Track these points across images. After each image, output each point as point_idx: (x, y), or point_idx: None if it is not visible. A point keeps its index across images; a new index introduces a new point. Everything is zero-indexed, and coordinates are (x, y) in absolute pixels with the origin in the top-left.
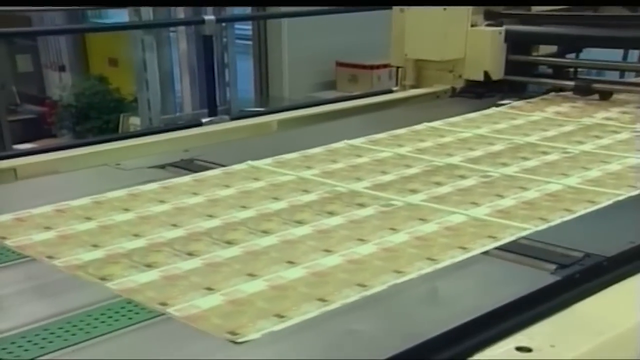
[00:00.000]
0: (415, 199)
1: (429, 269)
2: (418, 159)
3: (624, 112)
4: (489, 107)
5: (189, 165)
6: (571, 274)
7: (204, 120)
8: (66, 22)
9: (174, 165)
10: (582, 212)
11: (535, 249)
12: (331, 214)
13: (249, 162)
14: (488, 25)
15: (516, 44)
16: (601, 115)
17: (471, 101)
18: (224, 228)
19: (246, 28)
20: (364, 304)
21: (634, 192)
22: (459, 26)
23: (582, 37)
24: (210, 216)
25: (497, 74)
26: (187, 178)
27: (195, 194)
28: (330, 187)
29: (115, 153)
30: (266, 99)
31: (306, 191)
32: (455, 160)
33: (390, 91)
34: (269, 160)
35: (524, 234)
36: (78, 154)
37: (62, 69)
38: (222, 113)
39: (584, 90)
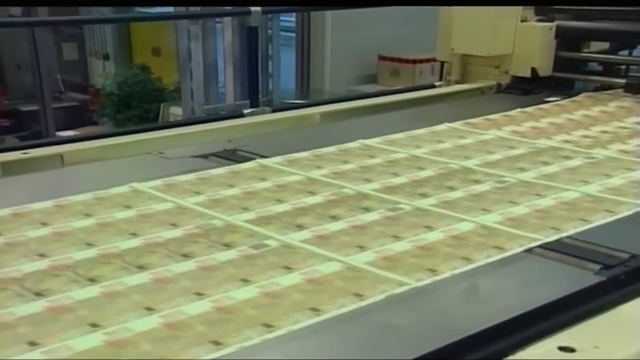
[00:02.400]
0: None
1: (427, 280)
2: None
3: None
4: (535, 104)
5: (231, 156)
6: (616, 274)
7: (245, 111)
8: (112, 11)
9: (216, 155)
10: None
11: (579, 248)
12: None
13: (286, 155)
14: (539, 20)
15: (567, 40)
16: None
17: (516, 97)
18: (258, 221)
19: (290, 20)
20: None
21: None
22: (508, 21)
23: (636, 33)
24: (245, 209)
25: (545, 70)
26: (223, 169)
27: (230, 185)
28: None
29: (158, 142)
30: (307, 92)
31: (312, 193)
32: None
33: (433, 86)
34: (306, 154)
35: (533, 244)
36: (122, 142)
37: (106, 57)
38: (264, 104)
39: (635, 88)
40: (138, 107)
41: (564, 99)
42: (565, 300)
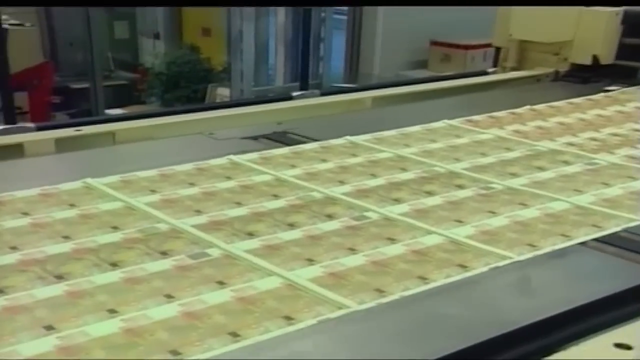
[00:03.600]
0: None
1: (528, 255)
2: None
3: None
4: (595, 93)
5: (281, 138)
6: None
7: (294, 94)
8: None
9: (266, 137)
10: None
11: (638, 243)
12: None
13: (347, 137)
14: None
15: (634, 25)
16: None
17: (574, 86)
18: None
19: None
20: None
21: None
22: (571, 6)
23: None
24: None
25: (608, 57)
26: (285, 150)
27: (293, 166)
28: (428, 167)
29: (208, 122)
30: (355, 76)
31: (404, 169)
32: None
33: (485, 73)
34: (367, 136)
35: (632, 224)
36: (172, 122)
37: (156, 36)
38: (313, 87)
39: None
40: (186, 87)
41: (625, 87)
42: (622, 295)
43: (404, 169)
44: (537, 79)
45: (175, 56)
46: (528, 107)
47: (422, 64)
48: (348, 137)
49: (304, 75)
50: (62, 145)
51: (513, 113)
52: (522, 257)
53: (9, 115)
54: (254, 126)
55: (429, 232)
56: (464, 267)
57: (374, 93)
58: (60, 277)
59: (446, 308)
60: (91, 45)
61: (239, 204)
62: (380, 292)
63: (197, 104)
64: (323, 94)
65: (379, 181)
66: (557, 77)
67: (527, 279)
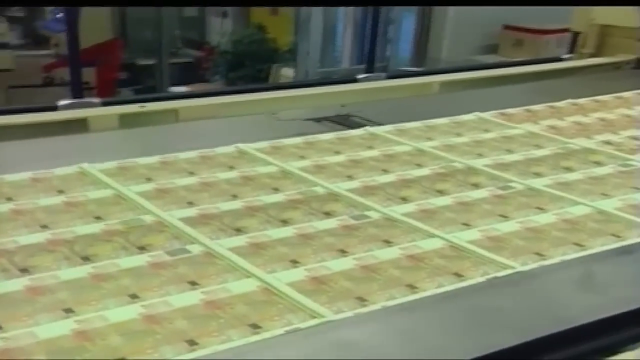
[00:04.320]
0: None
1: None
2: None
3: None
4: None
5: (344, 121)
6: None
7: (359, 76)
8: None
9: (329, 119)
10: None
11: None
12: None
13: (368, 127)
14: None
15: None
16: None
17: None
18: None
19: None
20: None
21: None
22: None
23: None
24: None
25: None
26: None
27: (302, 157)
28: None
29: (271, 102)
30: (423, 59)
31: (419, 165)
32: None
33: (559, 59)
34: (388, 127)
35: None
36: (236, 101)
37: (224, 15)
38: (379, 70)
39: None
40: (250, 66)
41: None
42: None
43: (419, 165)
44: (616, 66)
45: (242, 35)
46: (569, 100)
47: (493, 49)
48: (368, 128)
49: (370, 57)
50: (125, 121)
51: (552, 107)
52: (525, 268)
53: (76, 90)
54: (318, 108)
55: (430, 236)
56: (459, 276)
57: (440, 77)
58: (86, 259)
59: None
60: (161, 23)
61: (276, 189)
62: (361, 300)
63: (261, 83)
64: (389, 77)
65: (390, 177)
66: (638, 64)
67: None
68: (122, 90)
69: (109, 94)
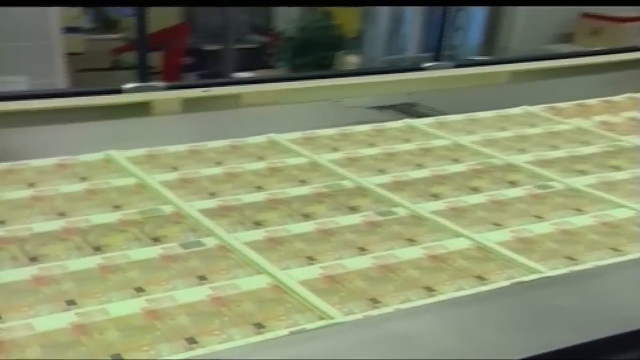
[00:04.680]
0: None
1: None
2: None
3: None
4: None
5: (409, 110)
6: None
7: (426, 64)
8: None
9: (394, 108)
10: None
11: None
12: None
13: (407, 119)
14: None
15: None
16: None
17: None
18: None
19: None
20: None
21: None
22: None
23: None
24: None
25: None
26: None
27: (335, 149)
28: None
29: (336, 90)
30: (492, 48)
31: (456, 160)
32: None
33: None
34: (428, 120)
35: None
36: (300, 87)
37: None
38: (446, 59)
39: None
40: (315, 53)
41: None
42: None
43: (456, 160)
44: None
45: (308, 21)
46: (627, 95)
47: (568, 38)
48: (407, 120)
49: (439, 45)
50: (188, 106)
51: (608, 101)
52: (553, 273)
53: (141, 74)
54: (382, 96)
55: (457, 235)
56: (481, 279)
57: (510, 67)
58: (97, 249)
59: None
60: (227, 8)
61: (303, 182)
62: (374, 302)
63: (324, 70)
64: (457, 66)
65: (423, 173)
66: None
67: None
68: (187, 75)
69: (174, 78)
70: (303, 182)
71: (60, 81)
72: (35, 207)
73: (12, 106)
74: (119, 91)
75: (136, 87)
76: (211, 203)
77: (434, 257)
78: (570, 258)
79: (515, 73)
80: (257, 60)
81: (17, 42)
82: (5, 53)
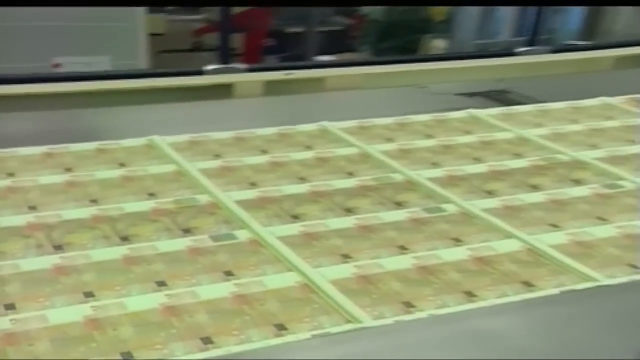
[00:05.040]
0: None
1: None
2: None
3: None
4: None
5: (499, 97)
6: None
7: (519, 49)
8: None
9: (483, 95)
10: None
11: None
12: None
13: (471, 110)
14: None
15: None
16: None
17: None
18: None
19: None
20: None
21: None
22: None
23: None
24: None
25: None
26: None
27: (389, 140)
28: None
29: (421, 75)
30: (594, 32)
31: (518, 155)
32: None
33: None
34: (494, 111)
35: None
36: (385, 72)
37: None
38: (543, 44)
39: None
40: (401, 37)
41: None
42: None
43: (518, 155)
44: None
45: None
46: None
47: None
48: (471, 111)
49: (534, 29)
50: (270, 88)
51: None
52: (610, 282)
53: (223, 55)
54: (471, 82)
55: (508, 236)
56: (528, 285)
57: (614, 52)
58: (125, 239)
59: None
60: None
61: (350, 174)
62: (408, 306)
63: (411, 54)
64: (554, 51)
65: (480, 167)
66: None
67: None
68: (268, 58)
69: (255, 60)
70: (350, 174)
71: (142, 62)
72: (69, 192)
73: (95, 86)
74: (200, 73)
75: (218, 69)
76: (250, 194)
77: (479, 260)
78: (633, 266)
79: (619, 59)
80: (340, 44)
81: (100, 22)
82: (89, 33)
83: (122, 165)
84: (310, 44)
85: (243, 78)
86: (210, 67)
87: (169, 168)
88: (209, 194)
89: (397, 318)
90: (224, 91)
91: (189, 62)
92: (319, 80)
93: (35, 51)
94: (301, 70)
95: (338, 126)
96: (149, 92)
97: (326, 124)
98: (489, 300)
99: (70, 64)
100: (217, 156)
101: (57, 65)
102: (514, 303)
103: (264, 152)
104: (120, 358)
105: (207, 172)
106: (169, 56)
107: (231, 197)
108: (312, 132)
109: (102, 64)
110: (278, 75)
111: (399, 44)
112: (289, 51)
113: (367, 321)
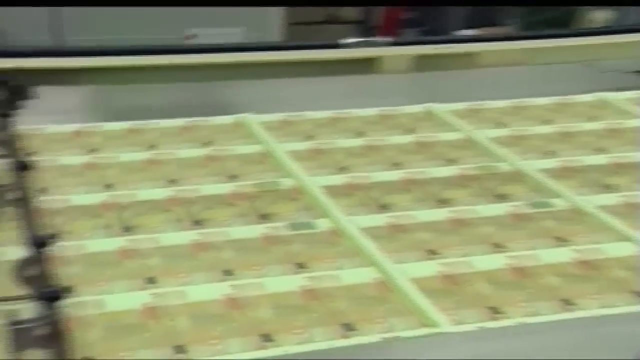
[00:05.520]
0: None
1: None
2: None
3: None
4: None
5: None
6: None
7: None
8: None
9: None
10: None
11: None
12: None
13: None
14: None
15: None
16: None
17: None
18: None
19: None
20: None
21: None
22: None
23: None
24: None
25: None
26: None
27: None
28: None
29: (586, 50)
30: None
31: None
32: None
33: None
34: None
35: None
36: (542, 47)
37: None
38: None
39: None
40: (553, 10)
41: None
42: None
43: None
44: None
45: None
46: None
47: None
48: (599, 94)
49: None
50: (415, 64)
51: None
52: None
53: (364, 28)
54: None
55: (622, 239)
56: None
57: None
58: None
59: None
60: None
61: (451, 161)
62: (494, 312)
63: (570, 28)
64: None
65: (601, 159)
66: None
67: None
68: (405, 31)
69: (392, 33)
70: (450, 162)
71: (275, 34)
72: (147, 170)
73: (227, 58)
74: (336, 46)
75: (359, 42)
76: (337, 179)
77: (584, 263)
78: None
79: None
80: (483, 17)
81: None
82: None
83: (206, 144)
84: (451, 17)
85: (388, 52)
86: (350, 40)
87: (255, 149)
88: (293, 178)
89: (480, 324)
90: (363, 66)
91: (322, 34)
92: (469, 55)
93: (169, 22)
94: (451, 44)
95: (446, 108)
96: (281, 65)
97: (434, 105)
98: (590, 310)
99: (204, 35)
100: (308, 137)
101: (191, 37)
102: (618, 316)
103: (360, 134)
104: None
105: (295, 154)
106: (301, 28)
107: (316, 182)
108: (417, 114)
109: (235, 35)
110: (427, 49)
111: (551, 16)
112: (428, 24)
113: (446, 326)
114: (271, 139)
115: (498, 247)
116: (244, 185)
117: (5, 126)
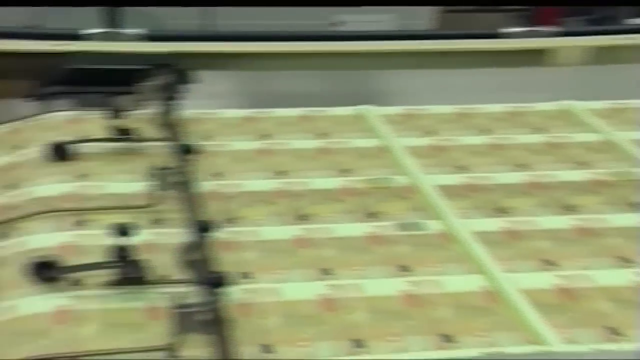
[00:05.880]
0: None
1: None
2: None
3: None
4: None
5: None
6: None
7: None
8: None
9: None
10: None
11: None
12: None
13: None
14: None
15: None
16: None
17: None
18: None
19: None
20: None
21: None
22: None
23: None
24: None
25: None
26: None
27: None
28: None
29: None
30: None
31: None
32: None
33: None
34: None
35: None
36: None
37: None
38: None
39: None
40: None
41: None
42: None
43: None
44: None
45: None
46: None
47: None
48: None
49: None
50: (588, 56)
51: None
52: None
53: (528, 17)
54: None
55: None
56: None
57: None
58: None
59: None
60: None
61: (582, 164)
62: (612, 332)
63: None
64: None
65: None
66: None
67: None
68: (562, 20)
69: (551, 22)
70: (582, 165)
71: (426, 22)
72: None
73: (377, 47)
74: (495, 36)
75: (525, 32)
76: (455, 179)
77: None
78: None
79: None
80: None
81: None
82: None
83: (322, 136)
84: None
85: (557, 43)
86: (516, 29)
87: (372, 143)
88: (407, 175)
89: (594, 346)
90: (528, 57)
91: (476, 23)
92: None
93: (316, 8)
94: (624, 35)
95: (586, 106)
96: (433, 56)
97: (571, 103)
98: None
99: (353, 22)
100: (429, 133)
101: (336, 24)
102: None
103: (486, 131)
104: None
105: (413, 150)
106: (453, 16)
107: (432, 181)
108: (551, 112)
109: (385, 22)
110: (604, 40)
111: None
112: (591, 13)
113: (556, 345)
114: (390, 132)
115: (625, 262)
116: (353, 180)
117: (170, 110)
